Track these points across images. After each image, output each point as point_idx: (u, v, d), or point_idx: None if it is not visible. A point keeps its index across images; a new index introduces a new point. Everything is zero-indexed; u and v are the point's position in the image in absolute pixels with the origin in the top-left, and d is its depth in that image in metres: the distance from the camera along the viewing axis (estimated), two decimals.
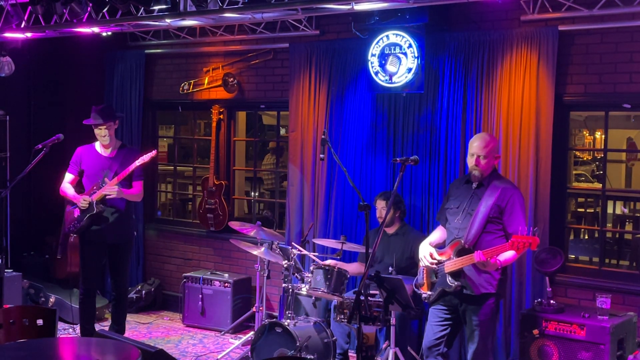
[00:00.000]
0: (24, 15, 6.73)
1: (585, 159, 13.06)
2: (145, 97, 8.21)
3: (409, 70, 6.12)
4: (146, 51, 8.18)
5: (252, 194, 8.47)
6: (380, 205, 6.12)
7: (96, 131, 6.18)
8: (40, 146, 5.85)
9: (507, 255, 4.68)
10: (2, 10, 6.80)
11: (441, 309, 4.96)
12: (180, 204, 9.05)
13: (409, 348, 5.74)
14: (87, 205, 6.04)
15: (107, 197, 6.02)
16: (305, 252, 6.22)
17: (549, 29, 5.75)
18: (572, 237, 7.14)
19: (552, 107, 5.75)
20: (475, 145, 4.89)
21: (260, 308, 6.36)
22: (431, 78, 6.26)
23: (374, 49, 6.30)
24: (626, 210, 7.82)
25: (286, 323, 5.57)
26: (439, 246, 5.05)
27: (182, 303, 7.53)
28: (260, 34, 7.35)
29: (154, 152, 6.10)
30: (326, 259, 6.43)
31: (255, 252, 6.20)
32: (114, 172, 6.06)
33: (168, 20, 6.46)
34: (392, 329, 5.22)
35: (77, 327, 6.64)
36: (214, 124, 7.72)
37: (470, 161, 4.89)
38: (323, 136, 5.35)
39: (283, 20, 6.99)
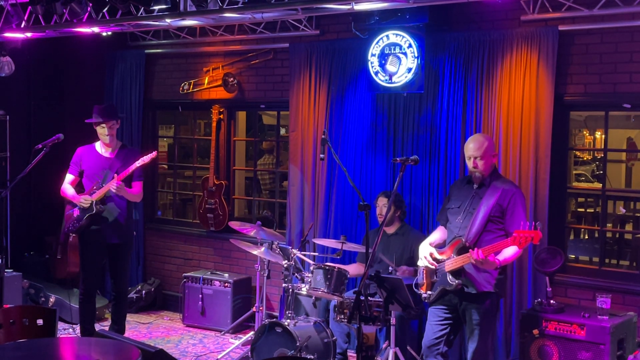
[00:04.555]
0: (24, 15, 6.73)
1: (585, 159, 13.04)
2: (145, 97, 8.21)
3: (409, 70, 6.12)
4: (146, 51, 8.18)
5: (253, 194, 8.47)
6: (382, 203, 6.12)
7: (98, 129, 6.18)
8: (40, 146, 5.86)
9: (508, 253, 4.68)
10: (2, 10, 6.81)
11: (441, 308, 4.96)
12: (180, 204, 9.05)
13: (408, 348, 5.74)
14: (89, 204, 6.04)
15: (111, 190, 6.00)
16: (306, 259, 6.21)
17: (549, 29, 5.75)
18: (572, 237, 7.14)
19: (552, 107, 5.75)
20: (471, 147, 4.90)
21: (260, 308, 6.36)
22: (431, 78, 6.26)
23: (374, 49, 6.30)
24: (624, 211, 7.81)
25: (286, 323, 5.57)
26: (439, 246, 5.05)
27: (182, 303, 7.53)
28: (260, 34, 7.36)
29: (154, 154, 6.11)
30: (327, 259, 6.44)
31: (255, 252, 6.20)
32: (115, 172, 6.06)
33: (168, 20, 6.46)
34: (392, 329, 5.22)
35: (77, 327, 6.64)
36: (214, 124, 7.72)
37: (469, 164, 4.93)
38: (323, 136, 5.35)
39: (283, 20, 6.99)
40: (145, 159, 6.04)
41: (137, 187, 6.21)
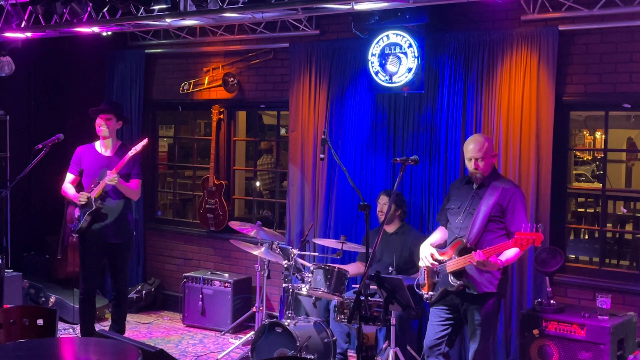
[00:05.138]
0: (24, 15, 6.73)
1: (585, 159, 13.04)
2: (145, 97, 8.21)
3: (409, 70, 6.12)
4: (146, 51, 8.18)
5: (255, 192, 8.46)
6: (383, 201, 6.13)
7: (96, 120, 6.20)
8: (40, 146, 5.86)
9: (509, 254, 4.68)
10: (2, 10, 6.80)
11: (442, 308, 4.96)
12: (180, 204, 9.05)
13: (409, 348, 5.74)
14: (86, 200, 6.03)
15: (108, 183, 5.98)
16: (306, 263, 6.21)
17: (549, 29, 5.75)
18: (572, 237, 7.14)
19: (552, 107, 5.75)
20: (471, 148, 4.89)
21: (260, 308, 6.36)
22: (431, 78, 6.26)
23: (374, 49, 6.30)
24: (625, 211, 7.81)
25: (286, 323, 5.57)
26: (440, 247, 5.05)
27: (182, 303, 7.53)
28: (260, 34, 7.36)
29: (145, 141, 6.11)
30: (326, 259, 6.44)
31: (255, 252, 6.20)
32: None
33: (168, 20, 6.46)
34: (392, 329, 5.22)
35: (77, 327, 6.64)
36: (214, 124, 7.72)
37: (470, 165, 4.91)
38: (323, 136, 5.35)
39: (283, 20, 6.99)
40: (137, 147, 6.04)
41: (135, 184, 6.21)
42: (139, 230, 8.13)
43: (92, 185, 6.10)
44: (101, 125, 6.19)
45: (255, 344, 5.66)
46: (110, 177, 5.94)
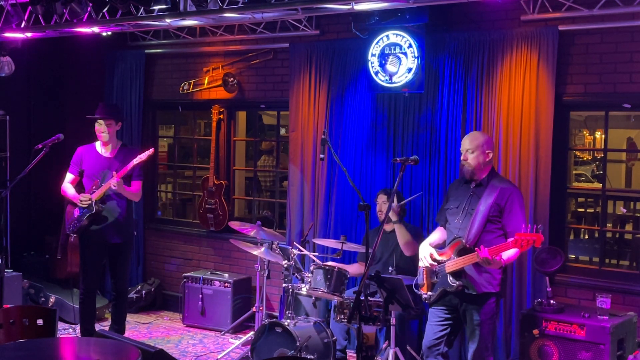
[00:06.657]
0: (24, 15, 6.73)
1: (585, 159, 13.04)
2: (145, 97, 8.21)
3: (409, 70, 6.12)
4: (146, 51, 8.18)
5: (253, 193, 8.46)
6: (382, 200, 6.13)
7: (96, 126, 6.21)
8: (40, 146, 5.86)
9: (510, 253, 4.68)
10: (2, 10, 6.80)
11: (441, 309, 4.96)
12: (180, 204, 9.05)
13: (408, 348, 5.74)
14: (88, 203, 6.04)
15: (112, 187, 6.00)
16: (305, 251, 6.22)
17: (549, 29, 5.75)
18: (572, 237, 7.14)
19: (552, 107, 5.75)
20: (464, 141, 4.96)
21: (260, 308, 6.36)
22: (431, 78, 6.26)
23: (374, 49, 6.30)
24: (625, 210, 7.81)
25: (286, 323, 5.57)
26: (439, 247, 5.05)
27: (182, 303, 7.53)
28: (260, 34, 7.36)
29: (151, 151, 6.12)
30: (327, 259, 6.43)
31: (255, 252, 6.20)
32: (114, 172, 6.07)
33: (168, 20, 6.46)
34: (392, 329, 5.22)
35: (77, 327, 6.64)
36: (214, 124, 7.72)
37: (461, 158, 4.93)
38: (323, 136, 5.35)
39: (283, 20, 6.99)
40: (143, 156, 6.05)
41: (136, 186, 6.22)
42: (139, 230, 8.13)
43: (94, 187, 6.10)
44: (102, 132, 6.19)
45: (255, 344, 5.66)
46: (114, 182, 5.95)
